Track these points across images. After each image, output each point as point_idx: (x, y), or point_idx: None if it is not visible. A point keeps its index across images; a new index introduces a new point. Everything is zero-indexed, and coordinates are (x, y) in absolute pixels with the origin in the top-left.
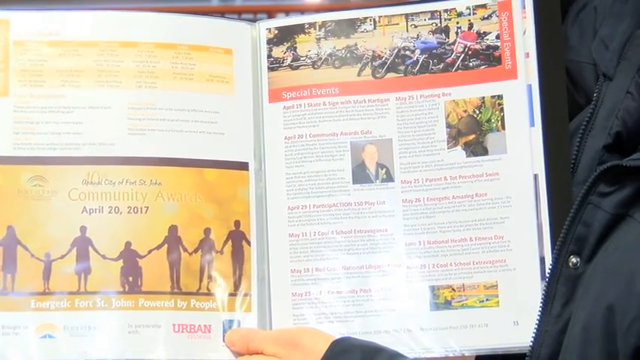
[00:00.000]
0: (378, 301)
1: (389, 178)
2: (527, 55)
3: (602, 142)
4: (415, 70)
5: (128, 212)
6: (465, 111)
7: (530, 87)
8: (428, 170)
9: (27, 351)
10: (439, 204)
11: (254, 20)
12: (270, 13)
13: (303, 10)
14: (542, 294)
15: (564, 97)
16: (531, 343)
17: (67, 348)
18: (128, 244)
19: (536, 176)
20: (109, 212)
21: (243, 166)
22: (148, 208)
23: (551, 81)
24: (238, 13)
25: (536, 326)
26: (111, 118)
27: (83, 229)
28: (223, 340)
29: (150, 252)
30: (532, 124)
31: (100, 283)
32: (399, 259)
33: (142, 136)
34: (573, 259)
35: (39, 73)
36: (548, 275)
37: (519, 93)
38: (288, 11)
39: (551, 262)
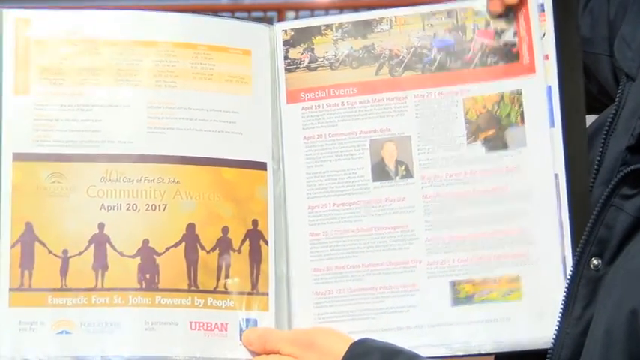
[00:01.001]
0: (399, 297)
1: (409, 174)
2: (546, 57)
3: (625, 143)
4: (433, 68)
5: (146, 210)
6: (484, 107)
7: (549, 88)
8: (448, 166)
9: (43, 347)
10: (459, 199)
11: (264, 19)
12: (280, 12)
13: (312, 9)
14: (564, 295)
15: (583, 99)
16: (552, 345)
17: (84, 344)
18: (146, 241)
19: (556, 176)
20: (127, 210)
21: (261, 166)
22: (166, 206)
23: (571, 83)
24: (248, 11)
25: (556, 328)
26: (130, 116)
27: (101, 226)
28: (240, 339)
29: (167, 249)
30: (552, 124)
31: (117, 279)
32: (420, 255)
33: (161, 135)
34: (595, 261)
35: (59, 71)
36: (569, 277)
37: (538, 88)
38: (298, 9)
39: (572, 264)
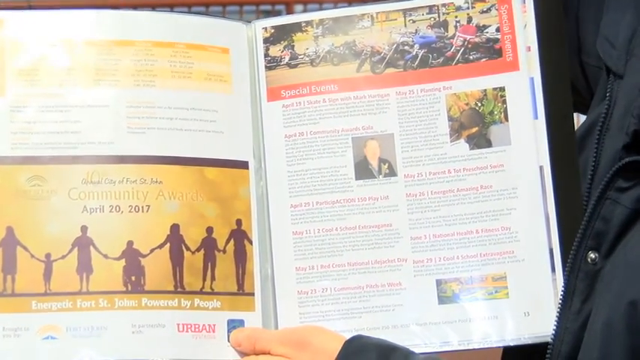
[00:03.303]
0: (385, 296)
1: (392, 172)
2: (528, 48)
3: (621, 142)
4: (415, 65)
5: (129, 211)
6: (467, 104)
7: (532, 80)
8: (431, 164)
9: (29, 353)
10: (444, 197)
11: (272, 12)
12: (289, 5)
13: (321, 2)
14: (562, 290)
15: (568, 89)
16: (551, 340)
17: (70, 349)
18: (130, 243)
19: (541, 168)
20: (110, 211)
21: (243, 164)
22: (149, 206)
23: (554, 73)
24: (257, 5)
25: (555, 323)
26: (109, 116)
27: (84, 228)
28: (228, 340)
29: (152, 251)
30: (535, 116)
31: (102, 283)
32: (405, 254)
33: (142, 135)
34: (592, 255)
35: (35, 72)
36: (566, 271)
37: (521, 85)
38: (306, 3)
39: (569, 259)
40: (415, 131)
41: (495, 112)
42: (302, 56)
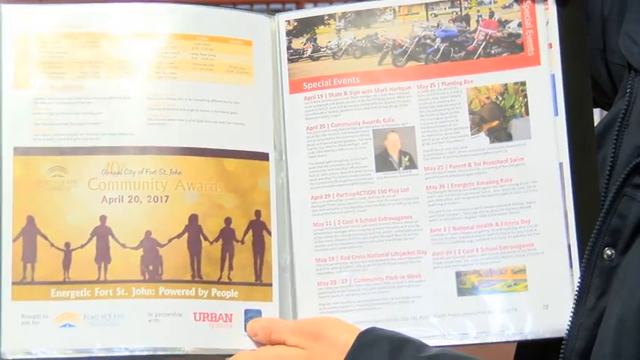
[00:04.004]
0: (404, 288)
1: (412, 165)
2: (550, 45)
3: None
4: (436, 58)
5: (148, 201)
6: (488, 98)
7: (553, 77)
8: (452, 157)
9: (47, 340)
10: (464, 190)
11: (283, 11)
12: (299, 3)
13: (331, 0)
14: (577, 286)
15: (588, 87)
16: (566, 336)
17: (88, 337)
18: (148, 232)
19: (561, 165)
20: (129, 202)
21: (263, 156)
22: (168, 197)
23: (575, 71)
24: (267, 4)
25: (570, 319)
26: (130, 108)
27: (103, 218)
28: (245, 330)
29: (170, 241)
30: (556, 113)
31: (120, 272)
32: (425, 246)
33: (162, 126)
34: (608, 251)
35: (59, 64)
36: (582, 268)
37: (543, 80)
38: (316, 1)
39: (585, 255)
40: (436, 124)
41: (516, 106)
42: (324, 49)
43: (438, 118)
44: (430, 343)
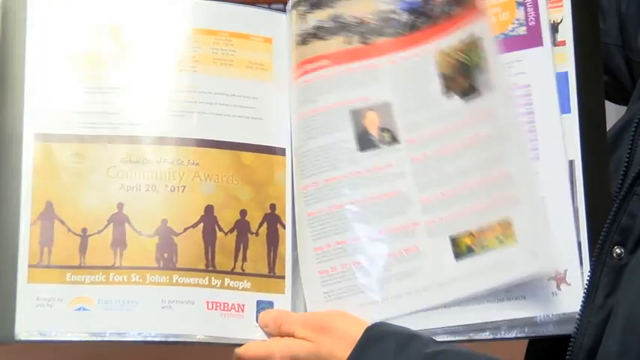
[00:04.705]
0: (404, 262)
1: (394, 140)
2: (564, 42)
3: None
4: (403, 31)
5: (165, 191)
6: (455, 59)
7: (566, 74)
8: (430, 124)
9: (61, 323)
10: (445, 154)
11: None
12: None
13: None
14: (586, 284)
15: (601, 84)
16: (574, 334)
17: (101, 321)
18: (164, 221)
19: (571, 162)
20: (147, 190)
21: (280, 151)
22: (185, 187)
23: (588, 69)
24: (252, 4)
25: (578, 317)
26: (150, 99)
27: (120, 205)
28: (256, 321)
29: (185, 230)
30: (569, 110)
31: (135, 258)
32: (417, 217)
33: (181, 118)
34: (617, 250)
35: (80, 55)
36: (591, 265)
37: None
38: None
39: (595, 253)
40: (410, 96)
41: (477, 60)
42: (294, 37)
43: (411, 90)
44: (437, 315)
